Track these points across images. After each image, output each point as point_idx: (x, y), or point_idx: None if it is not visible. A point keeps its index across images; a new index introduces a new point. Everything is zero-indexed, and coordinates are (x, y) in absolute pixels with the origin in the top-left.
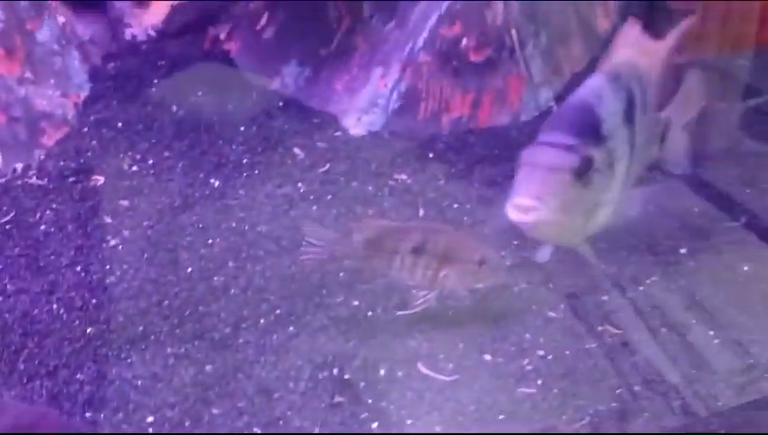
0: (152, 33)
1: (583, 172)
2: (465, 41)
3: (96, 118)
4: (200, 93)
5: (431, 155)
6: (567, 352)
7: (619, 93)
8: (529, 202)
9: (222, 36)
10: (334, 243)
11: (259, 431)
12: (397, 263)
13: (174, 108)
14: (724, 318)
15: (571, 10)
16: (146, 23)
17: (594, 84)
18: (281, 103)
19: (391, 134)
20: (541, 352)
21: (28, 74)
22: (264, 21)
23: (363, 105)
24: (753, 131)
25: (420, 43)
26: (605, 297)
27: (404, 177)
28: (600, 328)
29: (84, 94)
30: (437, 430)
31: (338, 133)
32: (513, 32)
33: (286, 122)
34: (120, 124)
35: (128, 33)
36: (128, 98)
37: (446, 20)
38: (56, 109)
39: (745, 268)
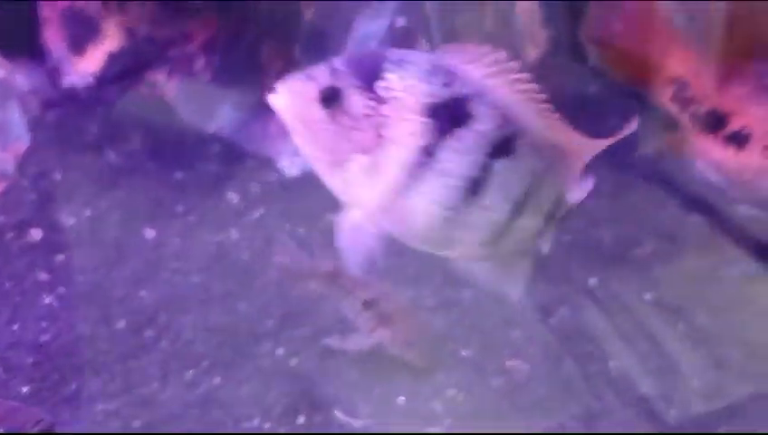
0: (90, 79)
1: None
2: None
3: (36, 170)
4: (138, 140)
5: None
6: (475, 391)
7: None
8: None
9: (159, 80)
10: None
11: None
12: (347, 303)
13: (112, 155)
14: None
15: (498, 41)
16: (84, 70)
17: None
18: (217, 147)
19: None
20: (452, 392)
21: None
22: (199, 65)
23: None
24: None
25: None
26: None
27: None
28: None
29: (24, 146)
30: None
31: (273, 175)
32: None
33: (222, 167)
34: (59, 176)
35: (66, 82)
36: (67, 148)
37: None
38: None
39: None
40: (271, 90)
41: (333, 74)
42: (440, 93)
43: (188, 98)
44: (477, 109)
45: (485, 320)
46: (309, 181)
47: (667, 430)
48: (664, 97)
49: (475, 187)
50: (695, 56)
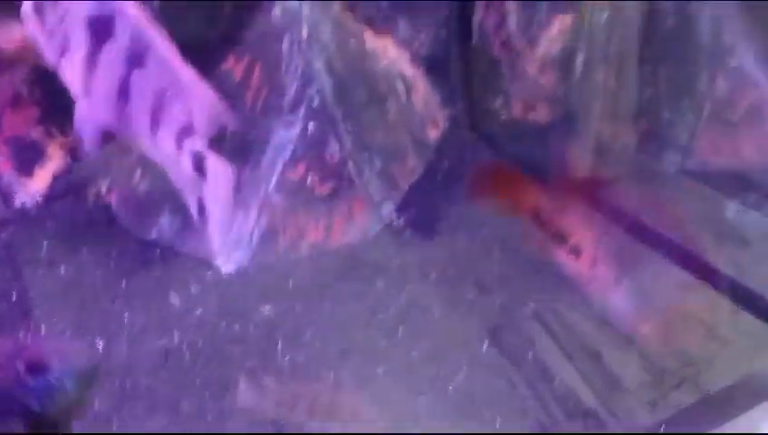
0: (39, 198)
1: None
2: (309, 178)
3: None
4: (85, 252)
5: (291, 284)
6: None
7: None
8: None
9: (102, 192)
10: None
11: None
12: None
13: (62, 270)
14: None
15: (402, 130)
16: (33, 189)
17: None
18: (158, 252)
19: (257, 268)
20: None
21: None
22: (137, 176)
23: (230, 245)
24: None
25: (273, 186)
26: None
27: (267, 308)
28: None
29: None
30: None
31: (210, 274)
32: (350, 163)
33: (164, 271)
34: (13, 297)
35: (17, 201)
36: (19, 266)
37: (292, 164)
38: None
39: None
40: None
41: None
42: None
43: (129, 207)
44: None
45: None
46: (241, 277)
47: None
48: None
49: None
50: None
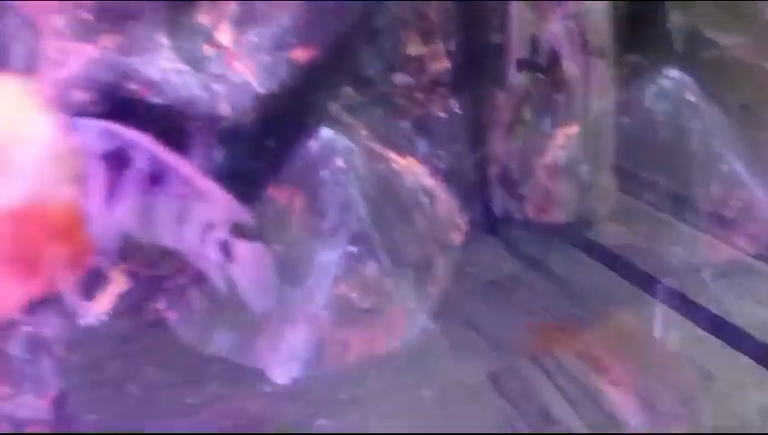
0: (103, 317)
1: None
2: (352, 294)
3: (68, 411)
4: (148, 367)
5: (343, 397)
6: None
7: None
8: None
9: (161, 308)
10: None
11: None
12: None
13: (129, 386)
14: None
15: (429, 239)
16: (96, 310)
17: None
18: (217, 367)
19: (309, 379)
20: None
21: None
22: (193, 294)
23: (283, 358)
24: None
25: (321, 303)
26: None
27: (322, 422)
28: None
29: (54, 391)
30: None
31: (266, 387)
32: (387, 278)
33: (221, 384)
34: (91, 416)
35: (82, 322)
36: (90, 385)
37: (335, 282)
38: (33, 413)
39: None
40: None
41: None
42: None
43: (187, 323)
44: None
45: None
46: (301, 388)
47: None
48: None
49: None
50: None
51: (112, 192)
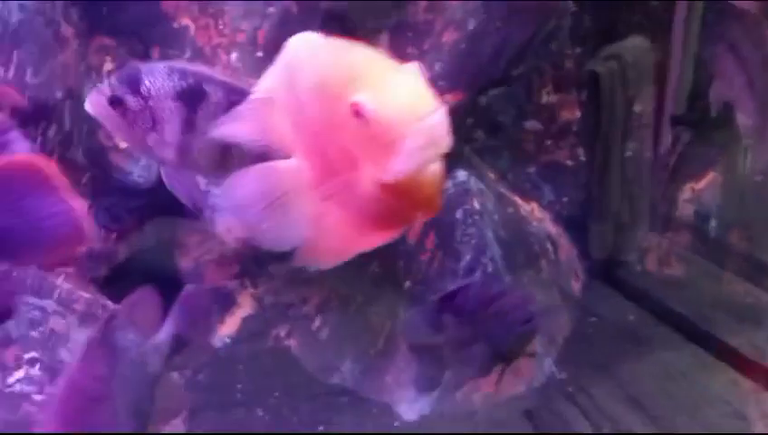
0: (228, 340)
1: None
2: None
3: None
4: (275, 392)
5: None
6: None
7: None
8: None
9: (282, 335)
10: None
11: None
12: None
13: (259, 411)
14: None
15: (553, 286)
16: (223, 333)
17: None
18: (345, 399)
19: (439, 417)
20: None
21: None
22: (318, 323)
23: (412, 394)
24: None
25: None
26: None
27: None
28: None
29: (185, 409)
30: None
31: (395, 422)
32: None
33: (348, 416)
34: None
35: (210, 344)
36: (219, 406)
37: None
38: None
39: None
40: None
41: (113, 88)
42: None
43: (311, 351)
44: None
45: None
46: (426, 424)
47: None
48: None
49: None
50: None
51: (191, 129)
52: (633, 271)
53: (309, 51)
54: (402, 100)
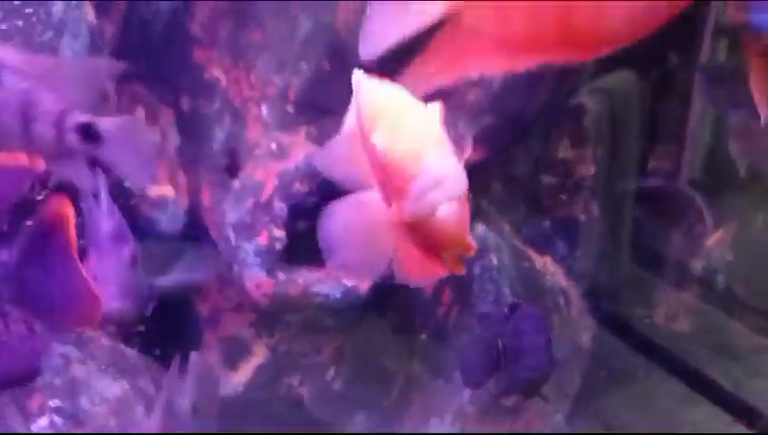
0: (240, 389)
1: None
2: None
3: None
4: None
5: None
6: None
7: None
8: None
9: (295, 383)
10: None
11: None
12: None
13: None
14: None
15: (565, 340)
16: (235, 381)
17: None
18: None
19: None
20: None
21: None
22: (331, 373)
23: None
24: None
25: (466, 397)
26: None
27: None
28: None
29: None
30: None
31: None
32: None
33: None
34: None
35: (221, 391)
36: None
37: None
38: None
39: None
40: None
41: None
42: None
43: (323, 402)
44: None
45: None
46: None
47: None
48: None
49: None
50: None
51: None
52: (642, 324)
53: (356, 88)
54: (412, 140)
